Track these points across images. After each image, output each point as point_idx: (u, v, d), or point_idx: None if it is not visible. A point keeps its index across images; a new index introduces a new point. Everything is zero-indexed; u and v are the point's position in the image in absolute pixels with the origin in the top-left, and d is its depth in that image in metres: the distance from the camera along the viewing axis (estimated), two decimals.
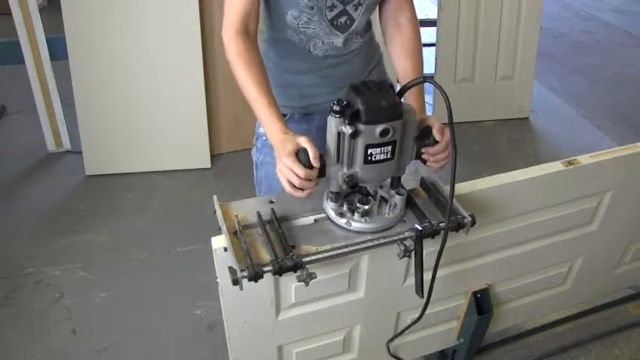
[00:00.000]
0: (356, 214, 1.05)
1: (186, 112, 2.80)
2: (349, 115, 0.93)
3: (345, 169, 1.01)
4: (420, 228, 1.03)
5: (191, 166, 2.90)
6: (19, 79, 2.87)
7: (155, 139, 2.81)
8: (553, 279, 1.56)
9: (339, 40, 1.27)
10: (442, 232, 1.03)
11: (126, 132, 2.78)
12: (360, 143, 0.97)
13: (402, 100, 1.02)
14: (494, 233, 1.29)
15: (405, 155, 1.05)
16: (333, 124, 0.96)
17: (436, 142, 1.08)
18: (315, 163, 0.99)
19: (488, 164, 3.00)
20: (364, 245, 1.03)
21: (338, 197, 1.08)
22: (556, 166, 1.25)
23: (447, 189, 1.12)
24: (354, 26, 1.26)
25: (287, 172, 1.00)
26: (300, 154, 1.00)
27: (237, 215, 1.05)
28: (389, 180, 1.10)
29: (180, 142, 2.85)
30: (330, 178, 1.04)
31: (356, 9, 1.23)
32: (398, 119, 0.96)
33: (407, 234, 1.04)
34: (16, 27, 2.63)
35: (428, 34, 4.05)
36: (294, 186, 1.01)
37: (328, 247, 1.02)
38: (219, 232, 1.03)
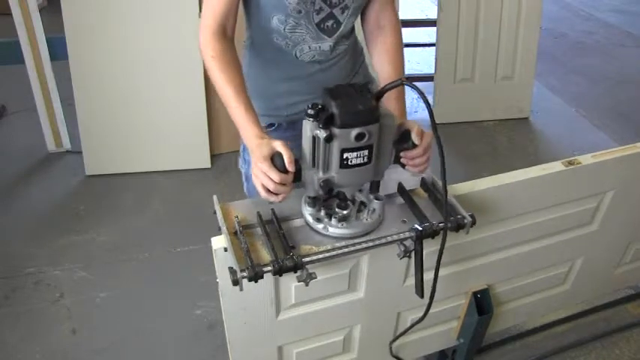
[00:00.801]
0: (333, 219, 1.04)
1: (186, 112, 2.80)
2: (324, 118, 0.92)
3: (320, 174, 0.99)
4: (420, 228, 1.03)
5: (191, 166, 2.89)
6: (19, 79, 2.87)
7: (155, 139, 2.81)
8: (553, 279, 1.56)
9: (326, 44, 1.25)
10: (442, 231, 1.03)
11: (126, 132, 2.77)
12: (336, 147, 0.95)
13: (382, 103, 1.00)
14: (495, 233, 1.29)
15: (383, 159, 1.03)
16: (308, 127, 0.95)
17: (415, 146, 1.06)
18: (290, 168, 0.97)
19: (488, 164, 3.00)
20: (364, 245, 1.03)
21: (315, 202, 1.06)
22: (556, 166, 1.25)
23: (446, 188, 1.12)
24: (340, 29, 1.24)
25: (262, 176, 0.99)
26: (275, 159, 0.99)
27: (237, 215, 1.05)
28: (368, 185, 1.09)
29: (180, 142, 2.85)
30: (306, 183, 1.03)
31: (342, 12, 1.21)
32: (374, 123, 0.94)
33: (407, 234, 1.04)
34: (16, 27, 2.62)
35: (428, 34, 4.07)
36: (269, 191, 1.00)
37: (328, 247, 1.02)
38: (219, 232, 1.03)
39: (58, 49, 2.68)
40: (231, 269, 0.94)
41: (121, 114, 2.74)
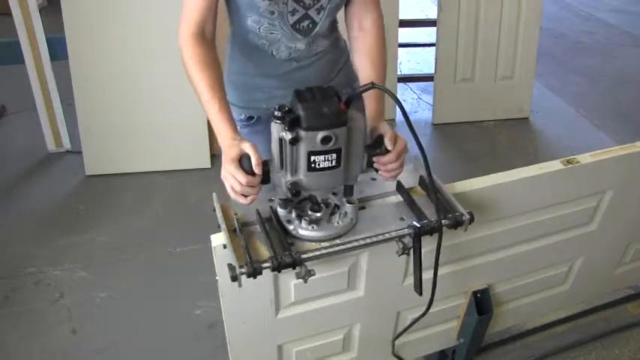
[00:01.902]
0: (303, 221, 1.04)
1: (186, 112, 2.80)
2: (289, 120, 0.92)
3: (289, 177, 0.99)
4: (419, 225, 1.03)
5: (191, 166, 2.89)
6: (19, 79, 2.88)
7: (155, 139, 2.81)
8: (553, 279, 1.56)
9: (301, 43, 1.25)
10: (442, 228, 1.03)
11: (126, 132, 2.78)
12: (302, 150, 0.95)
13: (359, 105, 1.00)
14: (494, 232, 1.29)
15: (353, 163, 1.03)
16: (275, 129, 0.95)
17: (388, 152, 1.05)
18: (257, 170, 0.97)
19: (488, 164, 3.00)
20: (362, 242, 1.03)
21: (287, 204, 1.06)
22: (555, 165, 1.25)
23: (446, 187, 1.13)
24: (316, 29, 1.24)
25: (230, 178, 0.99)
26: (243, 161, 0.99)
27: (236, 213, 1.05)
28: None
29: (180, 142, 2.85)
30: (275, 185, 1.03)
31: (318, 12, 1.21)
32: (340, 126, 0.94)
33: (405, 231, 1.04)
34: (16, 27, 2.63)
35: (428, 34, 4.08)
36: (237, 192, 1.00)
37: (327, 244, 1.02)
38: (218, 230, 1.03)
39: (58, 49, 2.69)
40: (230, 265, 0.94)
41: (121, 114, 2.74)
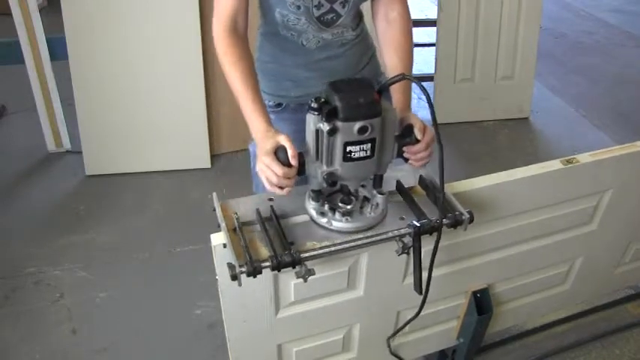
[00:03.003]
0: (337, 213, 1.05)
1: (186, 112, 2.80)
2: (326, 112, 0.93)
3: (324, 167, 1.00)
4: (418, 224, 1.03)
5: (191, 166, 2.89)
6: (19, 79, 2.87)
7: (155, 139, 2.81)
8: (553, 279, 1.55)
9: (327, 34, 1.29)
10: (442, 227, 1.03)
11: (126, 132, 2.78)
12: (339, 141, 0.96)
13: (387, 97, 1.02)
14: (493, 232, 1.29)
15: (385, 153, 1.04)
16: (312, 121, 0.96)
17: (417, 141, 1.08)
18: (293, 162, 0.99)
19: (488, 164, 3.00)
20: (362, 242, 1.03)
21: (319, 196, 1.07)
22: (555, 165, 1.25)
23: (445, 187, 1.12)
24: (340, 20, 1.27)
25: (266, 170, 1.01)
26: (278, 153, 1.01)
27: (236, 213, 1.06)
28: (372, 179, 1.10)
29: (180, 142, 2.85)
30: (310, 176, 1.04)
31: (343, 6, 1.24)
32: (376, 117, 0.95)
33: (405, 230, 1.04)
34: (16, 27, 2.63)
35: (428, 34, 4.07)
36: (273, 184, 1.01)
37: (326, 243, 1.02)
38: (218, 229, 1.03)
39: (58, 49, 2.68)
40: (229, 265, 0.94)
41: (120, 114, 2.74)
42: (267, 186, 1.03)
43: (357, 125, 0.94)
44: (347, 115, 0.93)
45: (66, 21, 2.55)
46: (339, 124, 0.94)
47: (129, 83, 2.69)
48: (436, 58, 3.25)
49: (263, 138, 1.05)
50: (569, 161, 1.26)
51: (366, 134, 0.95)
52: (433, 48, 3.27)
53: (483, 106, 3.39)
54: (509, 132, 3.33)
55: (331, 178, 1.00)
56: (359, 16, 1.36)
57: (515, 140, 3.26)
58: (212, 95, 2.84)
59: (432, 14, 3.99)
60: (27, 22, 2.63)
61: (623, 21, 5.29)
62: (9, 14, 2.58)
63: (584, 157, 1.28)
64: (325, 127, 0.94)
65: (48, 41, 2.71)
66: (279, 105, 1.41)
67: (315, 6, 1.21)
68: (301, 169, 1.01)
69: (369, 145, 0.98)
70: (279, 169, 0.99)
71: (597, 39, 4.87)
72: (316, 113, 0.94)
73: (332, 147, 0.97)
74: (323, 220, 1.06)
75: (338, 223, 1.05)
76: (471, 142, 3.22)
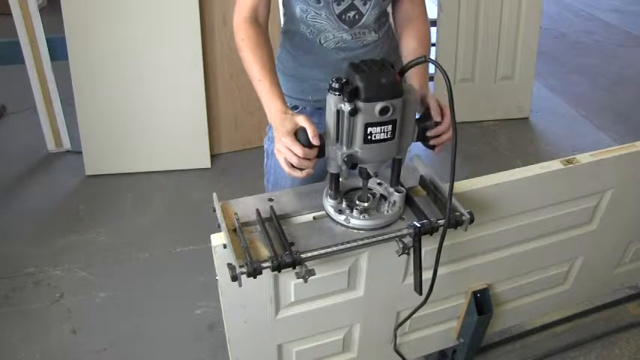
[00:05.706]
0: (355, 211, 1.05)
1: (186, 112, 2.80)
2: (348, 92, 0.92)
3: (344, 149, 0.99)
4: (419, 225, 1.03)
5: (191, 166, 2.90)
6: (19, 79, 2.88)
7: (155, 139, 2.81)
8: (553, 279, 1.55)
9: (347, 34, 1.28)
10: (442, 227, 1.03)
11: (126, 132, 2.78)
12: (360, 121, 0.95)
13: (405, 79, 1.02)
14: (494, 232, 1.29)
15: (406, 136, 1.04)
16: (332, 102, 0.95)
17: (438, 123, 1.08)
18: (315, 141, 0.99)
19: (488, 164, 3.00)
20: (362, 242, 1.03)
21: (337, 194, 1.08)
22: (555, 165, 1.25)
23: (445, 186, 1.13)
24: (362, 21, 1.26)
25: (285, 151, 1.00)
26: (298, 134, 1.00)
27: (236, 213, 1.05)
28: (389, 178, 1.10)
29: (180, 142, 2.85)
30: (329, 159, 1.03)
31: (365, 3, 1.23)
32: (398, 97, 0.94)
33: (405, 231, 1.04)
34: (16, 27, 2.63)
35: None
36: (292, 166, 1.01)
37: (327, 243, 1.02)
38: (218, 230, 1.03)
39: (58, 49, 2.69)
40: (230, 265, 0.94)
41: (120, 114, 2.74)
42: (286, 168, 1.02)
43: (379, 106, 0.93)
44: (369, 96, 0.92)
45: (66, 21, 2.55)
46: (360, 104, 0.93)
47: (129, 83, 2.69)
48: (436, 58, 3.24)
49: (282, 119, 1.04)
50: (569, 161, 1.26)
51: (388, 115, 0.94)
52: (433, 48, 3.28)
53: (483, 106, 3.40)
54: (509, 132, 3.33)
55: (351, 161, 0.99)
56: (384, 17, 1.34)
57: (515, 140, 3.26)
58: (212, 95, 2.84)
59: (432, 14, 3.99)
60: (27, 22, 2.63)
61: (622, 21, 5.30)
62: (9, 14, 2.58)
63: (584, 157, 1.28)
64: (347, 107, 0.93)
65: (48, 41, 2.71)
66: (295, 107, 1.41)
67: (336, 1, 1.20)
68: (321, 151, 1.01)
69: (390, 126, 0.97)
70: (299, 150, 0.98)
71: (597, 39, 4.87)
72: (337, 93, 0.93)
73: (353, 128, 0.96)
74: (341, 218, 1.06)
75: (356, 221, 1.05)
76: (471, 142, 3.22)
